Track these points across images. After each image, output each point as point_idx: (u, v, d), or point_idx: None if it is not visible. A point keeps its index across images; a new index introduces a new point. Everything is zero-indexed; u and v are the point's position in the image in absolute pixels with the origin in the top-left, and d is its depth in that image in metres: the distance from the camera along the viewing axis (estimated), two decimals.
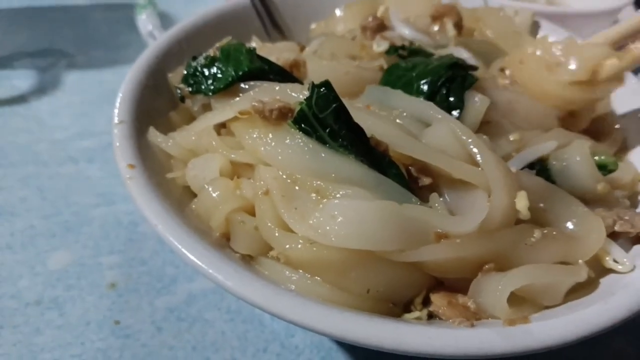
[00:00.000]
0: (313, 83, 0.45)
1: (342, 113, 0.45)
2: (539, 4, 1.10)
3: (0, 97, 0.90)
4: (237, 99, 0.53)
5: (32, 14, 1.17)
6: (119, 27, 1.15)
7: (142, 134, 0.54)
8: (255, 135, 0.47)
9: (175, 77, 0.61)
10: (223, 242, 0.47)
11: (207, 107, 0.57)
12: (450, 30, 0.68)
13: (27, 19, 1.15)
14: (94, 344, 0.55)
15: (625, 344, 0.60)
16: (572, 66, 0.56)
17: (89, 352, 0.54)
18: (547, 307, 0.44)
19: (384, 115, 0.51)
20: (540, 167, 0.52)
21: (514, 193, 0.44)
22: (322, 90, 0.44)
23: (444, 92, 0.55)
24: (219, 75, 0.55)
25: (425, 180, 0.46)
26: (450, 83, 0.55)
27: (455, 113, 0.53)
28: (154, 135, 0.55)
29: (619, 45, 0.57)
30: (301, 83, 0.55)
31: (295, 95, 0.49)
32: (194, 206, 0.50)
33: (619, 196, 0.53)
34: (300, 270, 0.43)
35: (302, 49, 0.69)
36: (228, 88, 0.54)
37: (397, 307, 0.45)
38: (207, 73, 0.56)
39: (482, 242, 0.43)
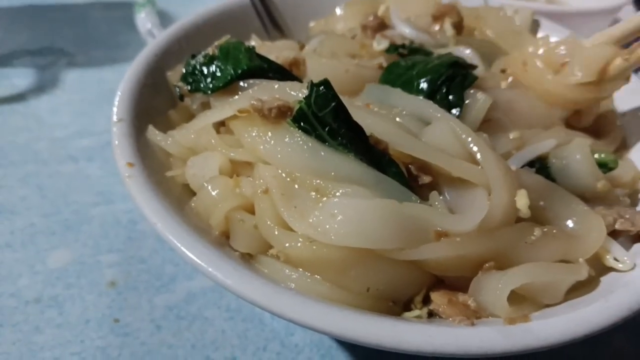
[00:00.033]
0: (312, 82, 0.45)
1: (341, 111, 0.45)
2: (538, 3, 1.10)
3: (0, 96, 0.90)
4: (236, 97, 0.53)
5: (32, 13, 1.17)
6: (119, 26, 1.15)
7: (141, 132, 0.54)
8: (254, 134, 0.47)
9: (174, 75, 0.61)
10: (222, 241, 0.47)
11: (206, 106, 0.57)
12: (449, 29, 0.68)
13: (27, 17, 1.15)
14: (93, 342, 0.55)
15: (625, 342, 0.60)
16: (580, 67, 0.55)
17: (89, 350, 0.54)
18: (547, 306, 0.44)
19: (384, 114, 0.51)
20: (540, 165, 0.52)
21: (514, 191, 0.44)
22: (321, 88, 0.44)
23: (444, 90, 0.55)
24: (218, 74, 0.55)
25: (425, 179, 0.46)
26: (450, 81, 0.55)
27: (455, 111, 0.53)
28: (153, 134, 0.55)
29: (622, 44, 0.57)
30: (300, 81, 0.55)
31: (295, 93, 0.49)
32: (193, 204, 0.50)
33: (619, 194, 0.53)
34: (300, 269, 0.43)
35: (302, 47, 0.68)
36: (227, 86, 0.54)
37: (397, 305, 0.45)
38: (206, 71, 0.56)
39: (482, 240, 0.42)
